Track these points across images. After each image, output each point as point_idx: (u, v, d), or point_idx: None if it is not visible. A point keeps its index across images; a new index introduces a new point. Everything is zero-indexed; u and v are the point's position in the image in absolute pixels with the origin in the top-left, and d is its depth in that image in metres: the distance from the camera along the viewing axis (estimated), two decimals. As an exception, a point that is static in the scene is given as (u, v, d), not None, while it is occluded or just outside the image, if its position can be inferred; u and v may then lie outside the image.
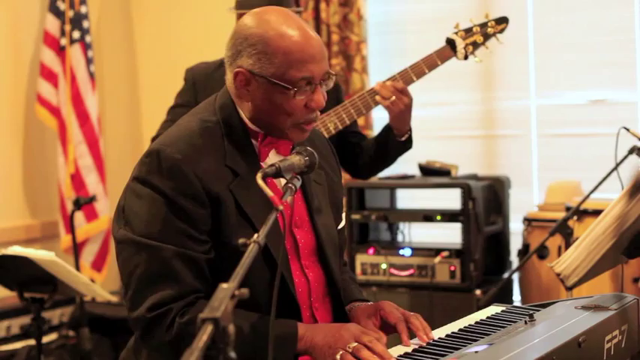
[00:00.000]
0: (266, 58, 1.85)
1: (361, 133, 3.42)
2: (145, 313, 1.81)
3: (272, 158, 1.95)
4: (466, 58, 3.17)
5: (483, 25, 3.18)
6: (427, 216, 4.04)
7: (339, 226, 2.12)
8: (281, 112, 1.88)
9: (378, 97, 3.07)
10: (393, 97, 3.04)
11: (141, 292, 1.83)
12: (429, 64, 3.13)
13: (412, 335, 1.94)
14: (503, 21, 3.20)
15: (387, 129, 3.16)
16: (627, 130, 3.37)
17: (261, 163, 1.94)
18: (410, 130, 3.15)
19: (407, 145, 3.17)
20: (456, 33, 3.17)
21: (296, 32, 1.86)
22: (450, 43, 3.16)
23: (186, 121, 1.97)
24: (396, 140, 3.13)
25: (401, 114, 3.07)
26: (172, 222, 1.82)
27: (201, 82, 3.16)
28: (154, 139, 3.06)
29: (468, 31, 3.17)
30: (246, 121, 1.94)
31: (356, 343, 1.79)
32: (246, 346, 1.77)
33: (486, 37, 3.17)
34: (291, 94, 1.85)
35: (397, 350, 1.87)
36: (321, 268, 2.02)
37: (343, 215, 2.17)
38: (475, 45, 3.17)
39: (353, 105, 3.15)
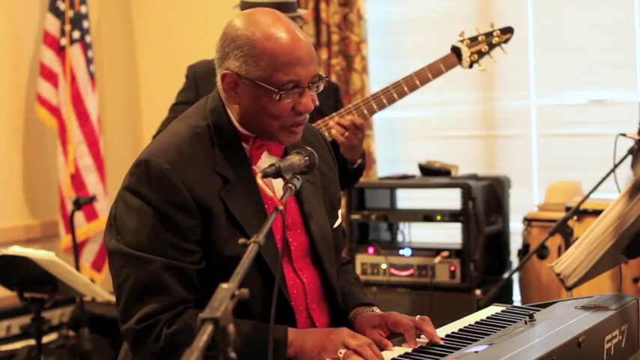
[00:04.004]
0: (252, 61, 1.83)
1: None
2: (134, 325, 1.82)
3: (265, 160, 1.94)
4: (471, 66, 3.19)
5: (489, 35, 3.19)
6: (427, 216, 4.04)
7: (335, 225, 2.10)
8: (268, 116, 1.86)
9: (333, 132, 3.06)
10: (347, 133, 3.03)
11: (131, 305, 1.83)
12: (434, 71, 3.13)
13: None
14: (508, 31, 3.21)
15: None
16: (624, 135, 3.38)
17: (254, 167, 1.93)
18: (362, 157, 3.14)
19: (358, 171, 3.16)
20: (462, 41, 3.17)
21: (283, 34, 1.84)
22: (456, 51, 3.16)
23: (176, 127, 1.95)
24: (346, 168, 3.10)
25: (353, 147, 3.07)
26: (161, 234, 1.82)
27: (202, 79, 3.16)
28: (155, 137, 3.06)
29: (474, 40, 3.18)
30: (237, 125, 1.93)
31: (345, 350, 1.78)
32: (237, 354, 1.77)
33: (491, 46, 3.19)
34: (277, 98, 1.83)
35: (397, 350, 1.87)
36: (315, 269, 2.01)
37: (340, 212, 2.15)
38: (480, 54, 3.17)
39: (356, 109, 3.14)
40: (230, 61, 1.86)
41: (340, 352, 1.78)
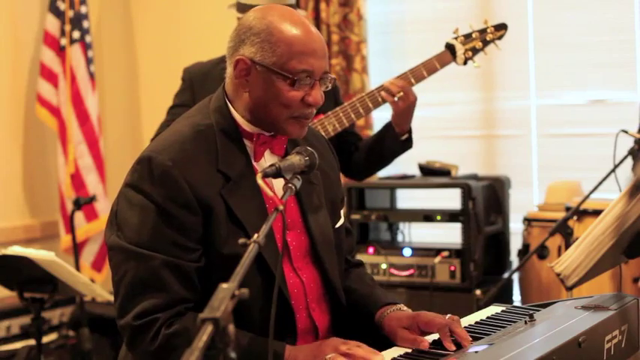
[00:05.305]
0: (269, 47, 1.86)
1: (359, 134, 3.43)
2: (131, 321, 1.82)
3: (267, 159, 1.95)
4: (465, 63, 3.20)
5: (482, 31, 3.20)
6: (427, 216, 4.04)
7: (338, 225, 2.10)
8: (278, 104, 1.87)
9: (383, 94, 3.08)
10: (401, 93, 3.07)
11: (129, 300, 1.83)
12: (429, 68, 3.15)
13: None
14: (502, 27, 3.22)
15: (387, 127, 3.18)
16: (625, 132, 3.38)
17: (255, 165, 1.93)
18: (410, 129, 3.17)
19: (407, 144, 3.19)
20: (456, 38, 3.18)
21: (300, 27, 1.88)
22: (450, 48, 3.18)
23: (179, 126, 1.96)
24: (396, 139, 3.15)
25: (404, 112, 3.10)
26: (162, 231, 1.82)
27: (198, 81, 3.17)
28: (153, 140, 3.07)
29: (468, 37, 3.19)
30: (240, 122, 1.94)
31: (332, 354, 1.77)
32: None
33: (485, 43, 3.20)
34: (290, 85, 1.85)
35: (397, 350, 1.87)
36: (315, 269, 2.00)
37: (343, 212, 2.15)
38: (474, 50, 3.19)
39: (352, 107, 3.15)
40: (246, 47, 1.88)
41: (326, 358, 1.77)
